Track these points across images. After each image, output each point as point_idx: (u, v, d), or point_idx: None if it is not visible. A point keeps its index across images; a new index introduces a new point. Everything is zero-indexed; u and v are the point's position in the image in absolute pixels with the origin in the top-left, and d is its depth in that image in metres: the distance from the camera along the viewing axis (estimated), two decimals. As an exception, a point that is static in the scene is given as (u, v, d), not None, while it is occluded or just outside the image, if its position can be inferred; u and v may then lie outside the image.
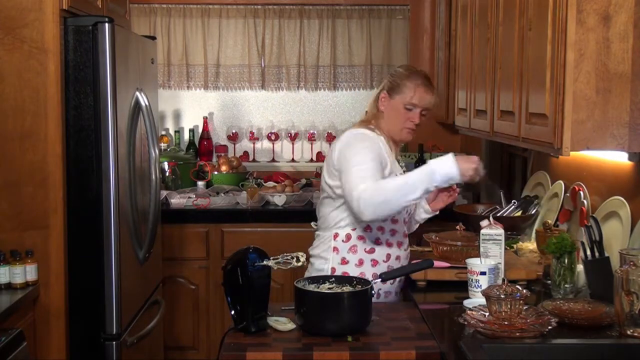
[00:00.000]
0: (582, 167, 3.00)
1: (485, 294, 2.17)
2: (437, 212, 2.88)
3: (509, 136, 2.72)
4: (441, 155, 2.59)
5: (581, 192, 2.90)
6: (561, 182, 3.19)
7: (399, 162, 2.82)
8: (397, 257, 2.73)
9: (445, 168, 2.43)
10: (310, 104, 5.13)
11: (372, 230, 2.68)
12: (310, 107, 5.13)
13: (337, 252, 2.69)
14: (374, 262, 2.68)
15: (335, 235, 2.70)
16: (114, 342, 2.97)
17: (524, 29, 2.53)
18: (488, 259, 2.52)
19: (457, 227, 2.91)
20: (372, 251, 2.69)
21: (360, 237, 2.69)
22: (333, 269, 2.68)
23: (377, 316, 2.34)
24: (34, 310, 2.81)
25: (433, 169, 2.45)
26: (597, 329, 2.16)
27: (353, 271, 2.65)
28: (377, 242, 2.69)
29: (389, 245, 2.71)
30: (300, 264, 2.28)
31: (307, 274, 2.72)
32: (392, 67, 4.96)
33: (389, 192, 2.48)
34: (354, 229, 2.68)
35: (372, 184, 2.50)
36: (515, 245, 3.07)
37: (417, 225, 2.97)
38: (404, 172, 2.82)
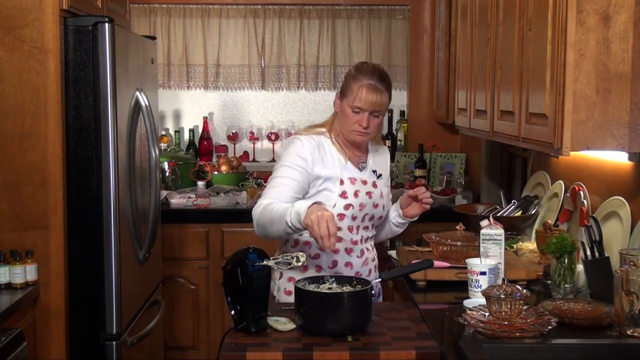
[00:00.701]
0: (582, 167, 3.00)
1: (485, 294, 2.17)
2: (415, 219, 2.80)
3: (509, 136, 2.71)
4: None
5: (581, 192, 2.90)
6: (561, 182, 3.19)
7: (362, 165, 2.70)
8: (348, 264, 2.66)
9: (301, 206, 2.34)
10: (310, 104, 5.13)
11: None
12: (310, 107, 5.13)
13: None
14: (319, 269, 2.63)
15: (286, 241, 2.68)
16: (114, 342, 2.97)
17: (524, 29, 2.53)
18: (488, 259, 2.52)
19: (457, 227, 2.90)
20: (317, 257, 2.64)
21: (307, 243, 2.63)
22: (281, 274, 2.67)
23: (377, 316, 2.34)
24: (34, 310, 2.82)
25: (294, 204, 2.38)
26: (597, 329, 2.15)
27: (298, 277, 2.54)
28: (322, 248, 2.57)
29: (335, 252, 2.63)
30: (300, 264, 2.28)
31: (272, 276, 2.69)
32: (392, 67, 4.97)
33: (266, 217, 2.45)
34: (301, 235, 2.62)
35: (265, 204, 2.48)
36: (515, 245, 3.07)
37: (400, 229, 2.86)
38: (375, 171, 2.72)
